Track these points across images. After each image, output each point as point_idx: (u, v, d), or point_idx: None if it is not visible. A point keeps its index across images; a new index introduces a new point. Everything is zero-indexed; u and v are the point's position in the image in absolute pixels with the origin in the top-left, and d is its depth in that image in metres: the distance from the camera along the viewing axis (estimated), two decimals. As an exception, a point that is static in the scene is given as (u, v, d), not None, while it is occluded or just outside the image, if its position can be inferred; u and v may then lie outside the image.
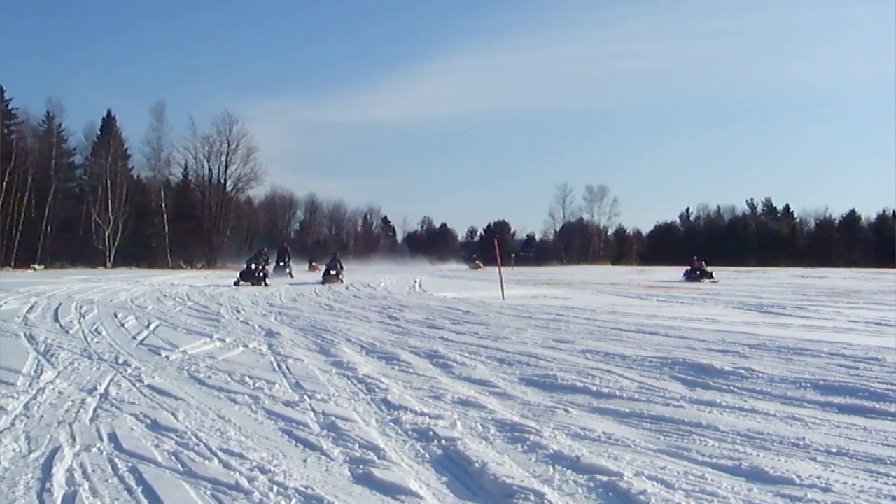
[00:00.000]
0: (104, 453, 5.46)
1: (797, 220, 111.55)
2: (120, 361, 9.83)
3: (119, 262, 68.22)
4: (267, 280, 31.83)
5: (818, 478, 4.94)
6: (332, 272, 34.69)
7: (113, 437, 5.91)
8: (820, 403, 7.22)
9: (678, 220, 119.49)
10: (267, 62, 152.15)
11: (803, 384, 8.04)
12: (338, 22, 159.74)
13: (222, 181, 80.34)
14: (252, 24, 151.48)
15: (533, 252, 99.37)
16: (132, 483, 4.82)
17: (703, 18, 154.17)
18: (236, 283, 30.62)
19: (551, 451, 5.59)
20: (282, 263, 39.53)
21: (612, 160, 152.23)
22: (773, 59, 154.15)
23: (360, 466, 5.24)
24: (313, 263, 52.87)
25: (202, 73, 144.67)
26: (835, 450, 5.61)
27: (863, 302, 21.78)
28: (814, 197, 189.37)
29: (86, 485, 4.75)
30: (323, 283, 33.31)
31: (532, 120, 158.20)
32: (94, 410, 6.91)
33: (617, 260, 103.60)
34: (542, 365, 9.57)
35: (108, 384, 8.21)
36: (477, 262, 69.48)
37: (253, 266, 32.05)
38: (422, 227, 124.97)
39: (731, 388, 8.01)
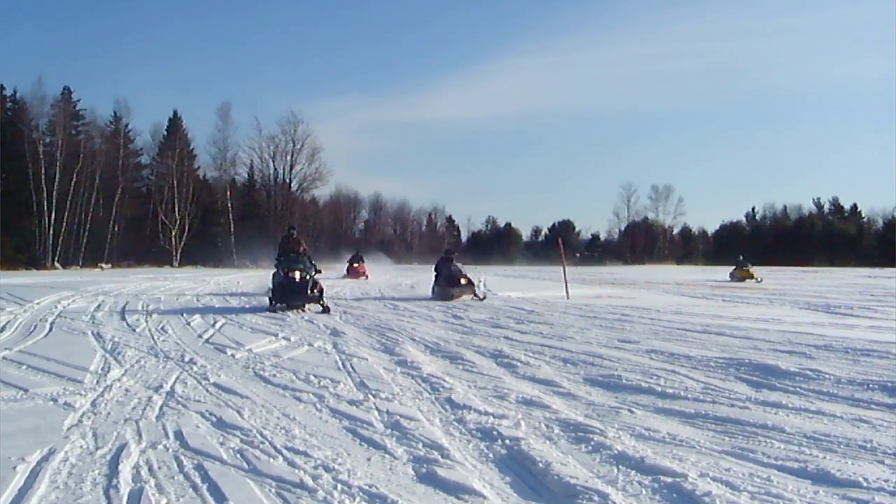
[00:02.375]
0: (170, 450, 5.50)
1: (865, 220, 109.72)
2: (186, 359, 9.94)
3: (185, 261, 69.48)
4: (323, 299, 18.22)
5: (886, 481, 4.86)
6: (463, 280, 22.44)
7: (179, 435, 5.96)
8: (888, 405, 7.06)
9: (744, 219, 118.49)
10: (330, 61, 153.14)
11: (871, 386, 7.88)
12: (401, 21, 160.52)
13: (287, 181, 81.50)
14: (316, 21, 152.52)
15: (598, 252, 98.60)
16: (197, 480, 4.84)
17: (768, 16, 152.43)
18: (271, 308, 17.91)
19: (615, 451, 5.54)
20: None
21: (678, 159, 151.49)
22: (839, 56, 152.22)
23: (424, 465, 5.22)
24: (356, 266, 40.56)
25: (266, 71, 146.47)
26: (904, 453, 5.49)
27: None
28: (882, 196, 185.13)
29: (152, 482, 4.78)
30: (442, 298, 21.84)
31: (597, 119, 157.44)
32: (161, 408, 6.97)
33: (682, 259, 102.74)
34: (606, 365, 9.48)
35: (175, 382, 8.30)
36: (747, 267, 43.00)
37: (297, 275, 18.40)
38: (486, 226, 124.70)
39: (798, 389, 7.89)
